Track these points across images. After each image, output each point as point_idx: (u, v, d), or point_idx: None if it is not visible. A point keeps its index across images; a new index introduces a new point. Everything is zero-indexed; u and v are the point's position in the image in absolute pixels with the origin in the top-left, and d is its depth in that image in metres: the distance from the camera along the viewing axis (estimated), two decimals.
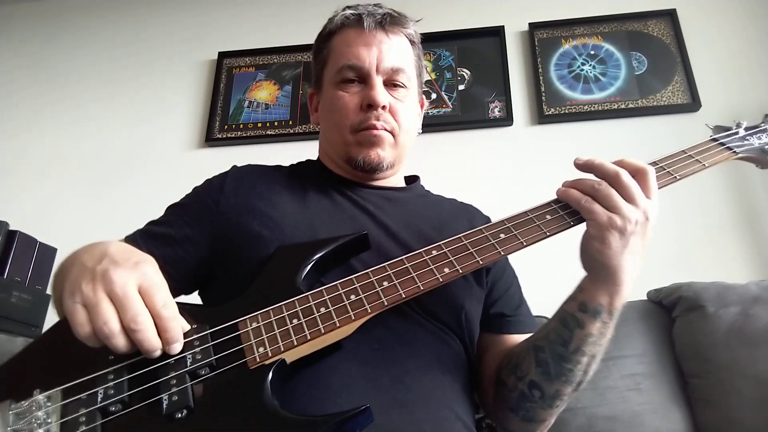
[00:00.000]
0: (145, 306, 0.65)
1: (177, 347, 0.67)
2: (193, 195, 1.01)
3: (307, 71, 2.50)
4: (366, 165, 1.02)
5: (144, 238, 0.94)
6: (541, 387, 0.87)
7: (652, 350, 1.51)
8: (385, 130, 1.02)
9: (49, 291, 1.91)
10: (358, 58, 1.02)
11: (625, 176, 0.78)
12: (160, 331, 0.65)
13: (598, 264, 0.79)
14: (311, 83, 1.16)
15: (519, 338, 1.00)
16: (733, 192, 1.99)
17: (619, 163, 0.80)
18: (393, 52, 1.04)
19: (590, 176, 0.82)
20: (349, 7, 1.08)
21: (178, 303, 0.71)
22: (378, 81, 1.02)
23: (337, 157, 1.07)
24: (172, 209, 1.00)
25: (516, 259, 1.05)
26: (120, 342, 0.63)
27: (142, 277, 0.66)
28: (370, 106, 1.00)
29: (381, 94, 1.01)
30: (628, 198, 0.77)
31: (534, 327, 1.03)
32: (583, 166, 0.82)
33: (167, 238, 0.94)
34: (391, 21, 1.06)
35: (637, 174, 0.79)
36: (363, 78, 1.02)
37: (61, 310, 0.86)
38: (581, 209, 0.79)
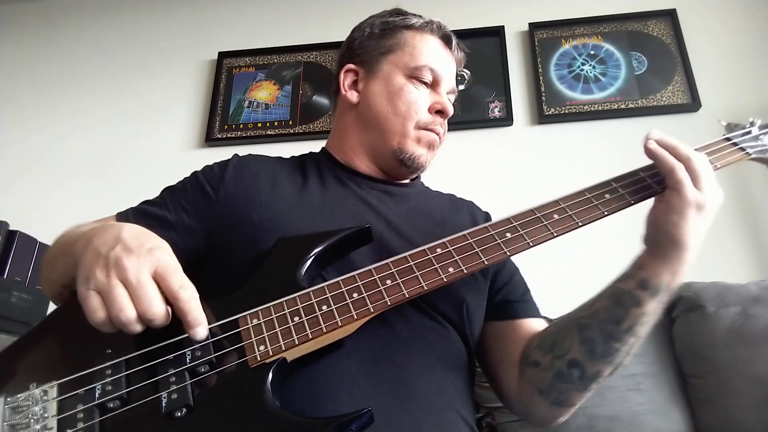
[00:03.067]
0: (159, 294, 0.64)
1: (201, 331, 0.65)
2: (192, 179, 0.99)
3: (308, 71, 2.50)
4: (413, 163, 1.05)
5: (137, 217, 0.92)
6: (583, 366, 0.85)
7: (652, 350, 1.51)
8: (440, 138, 1.08)
9: None
10: (441, 68, 1.08)
11: (698, 161, 0.79)
12: (180, 316, 0.65)
13: (670, 239, 0.78)
14: (351, 59, 1.14)
15: (533, 322, 0.99)
16: (733, 192, 1.98)
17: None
18: (454, 75, 1.13)
19: None
20: (415, 15, 1.13)
21: None
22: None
23: (375, 144, 1.07)
24: (169, 192, 0.98)
25: (516, 258, 1.05)
26: (138, 329, 0.63)
27: (156, 262, 0.65)
28: (440, 112, 1.06)
29: (451, 106, 1.09)
30: (709, 180, 0.78)
31: (540, 314, 1.03)
32: (660, 142, 0.82)
33: (162, 221, 0.92)
34: (461, 50, 1.15)
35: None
36: (434, 85, 1.08)
37: (52, 291, 0.84)
38: (672, 175, 0.78)
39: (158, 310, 0.63)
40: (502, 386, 1.00)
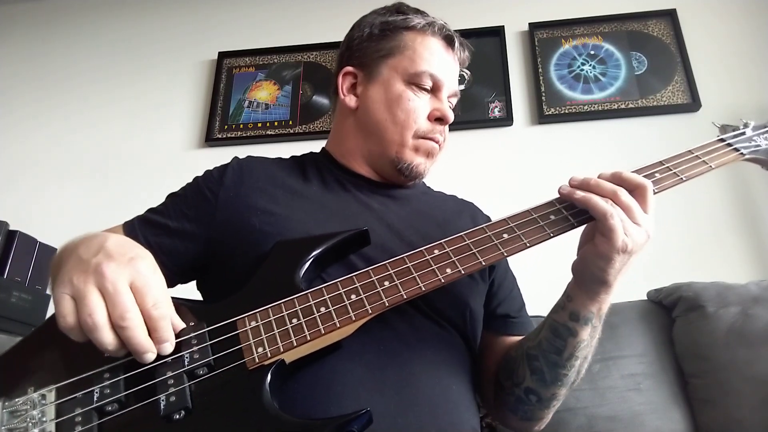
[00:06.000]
0: (135, 303, 0.64)
1: (167, 348, 0.66)
2: (192, 185, 0.99)
3: (308, 71, 2.50)
4: (411, 172, 1.04)
5: (141, 225, 0.94)
6: (538, 392, 0.90)
7: (652, 350, 1.51)
8: (440, 145, 1.06)
9: (49, 290, 1.91)
10: (442, 73, 1.05)
11: (625, 196, 0.76)
12: (150, 331, 0.64)
13: (595, 279, 0.79)
14: (350, 61, 1.11)
15: (518, 339, 1.00)
16: (733, 192, 1.98)
17: (618, 178, 0.79)
18: (456, 77, 1.10)
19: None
20: (417, 13, 1.09)
21: (175, 299, 0.70)
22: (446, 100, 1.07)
23: (374, 151, 1.05)
24: (171, 199, 0.99)
25: (516, 258, 1.05)
26: (105, 337, 0.61)
27: (135, 274, 0.65)
28: (440, 119, 1.03)
29: (451, 112, 1.05)
30: (633, 219, 0.75)
31: (530, 328, 1.03)
32: (579, 186, 0.80)
33: (164, 228, 0.93)
34: (465, 50, 1.11)
35: (636, 190, 0.77)
36: (435, 90, 1.05)
37: None
38: (604, 222, 0.74)
39: (133, 316, 0.63)
40: (483, 395, 1.03)
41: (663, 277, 1.64)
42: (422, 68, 1.03)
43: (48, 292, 1.91)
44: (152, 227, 0.93)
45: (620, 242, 0.74)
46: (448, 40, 1.08)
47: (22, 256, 1.89)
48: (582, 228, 0.82)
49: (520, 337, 0.99)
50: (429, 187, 1.19)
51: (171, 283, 0.86)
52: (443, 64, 1.06)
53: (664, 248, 1.80)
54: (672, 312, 1.55)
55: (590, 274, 0.79)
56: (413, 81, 1.03)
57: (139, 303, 0.64)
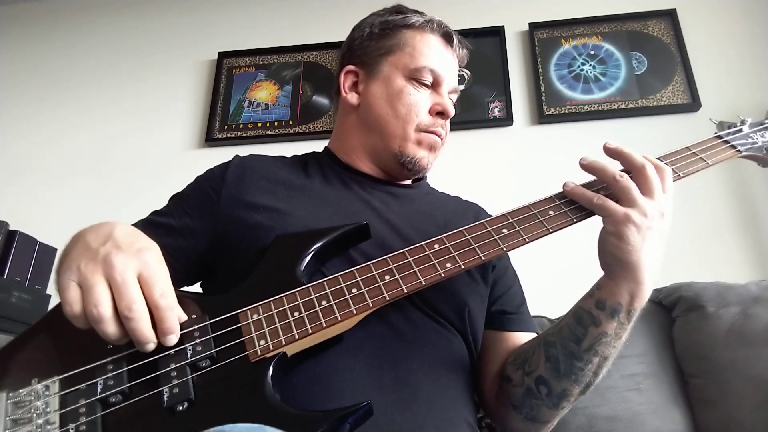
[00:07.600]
0: (142, 295, 0.64)
1: (172, 339, 0.66)
2: (194, 184, 1.00)
3: (308, 71, 2.50)
4: (414, 165, 1.05)
5: (146, 228, 0.92)
6: (549, 384, 0.85)
7: (652, 350, 1.51)
8: (442, 139, 1.07)
9: (49, 290, 1.91)
10: (442, 68, 1.06)
11: (651, 170, 0.78)
12: (156, 322, 0.65)
13: (617, 261, 0.77)
14: (351, 60, 1.13)
15: (521, 336, 0.99)
16: (733, 191, 1.99)
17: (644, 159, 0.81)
18: (456, 74, 1.12)
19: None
20: (416, 13, 1.11)
21: (178, 291, 0.70)
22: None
23: (377, 147, 1.06)
24: (174, 199, 1.00)
25: (517, 258, 1.05)
26: (109, 328, 0.62)
27: (143, 265, 0.66)
28: (441, 114, 1.05)
29: (452, 107, 1.07)
30: (647, 191, 0.77)
31: (535, 327, 1.03)
32: (613, 152, 0.82)
33: (168, 228, 0.93)
34: (463, 48, 1.13)
35: (657, 171, 0.79)
36: (435, 85, 1.06)
37: None
38: (594, 208, 0.79)
39: (140, 308, 0.63)
40: (483, 396, 1.00)
41: (663, 277, 1.63)
42: (422, 63, 1.04)
43: (48, 291, 1.91)
44: (156, 228, 0.94)
45: (621, 214, 0.75)
46: (447, 37, 1.10)
47: (22, 256, 1.89)
48: (581, 224, 0.82)
49: (523, 335, 0.99)
50: (433, 188, 1.19)
51: (177, 284, 0.87)
52: (443, 60, 1.07)
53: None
54: (672, 312, 1.55)
55: (611, 257, 0.78)
56: (413, 76, 1.04)
57: (147, 293, 0.65)
